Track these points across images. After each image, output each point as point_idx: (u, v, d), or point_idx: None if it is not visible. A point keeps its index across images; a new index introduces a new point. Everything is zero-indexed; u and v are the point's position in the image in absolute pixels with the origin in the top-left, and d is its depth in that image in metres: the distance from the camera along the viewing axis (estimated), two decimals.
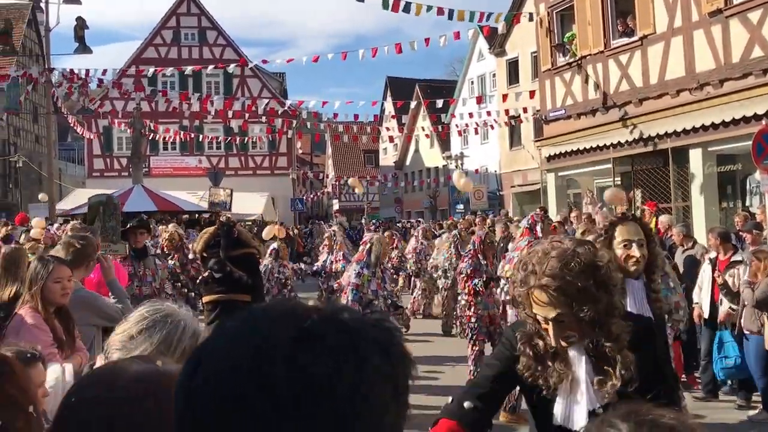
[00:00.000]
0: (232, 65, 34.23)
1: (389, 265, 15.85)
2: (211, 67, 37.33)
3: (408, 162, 67.70)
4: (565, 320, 3.13)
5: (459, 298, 13.24)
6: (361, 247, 13.32)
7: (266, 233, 20.29)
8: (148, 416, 1.53)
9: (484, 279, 12.36)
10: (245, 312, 1.19)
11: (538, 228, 11.74)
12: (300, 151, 71.37)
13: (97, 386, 1.69)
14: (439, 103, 35.03)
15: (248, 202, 41.03)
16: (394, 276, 15.35)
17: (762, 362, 10.52)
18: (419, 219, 46.19)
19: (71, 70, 31.43)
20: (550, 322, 3.15)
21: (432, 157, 61.08)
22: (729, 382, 11.93)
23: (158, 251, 14.69)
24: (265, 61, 33.10)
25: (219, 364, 1.11)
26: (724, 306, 11.32)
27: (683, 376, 12.27)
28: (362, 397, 1.08)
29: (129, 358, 1.99)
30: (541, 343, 3.26)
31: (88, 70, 31.08)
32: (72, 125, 40.57)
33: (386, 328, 1.18)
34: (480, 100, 41.62)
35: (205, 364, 1.13)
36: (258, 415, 1.06)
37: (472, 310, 12.32)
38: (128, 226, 11.19)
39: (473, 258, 12.67)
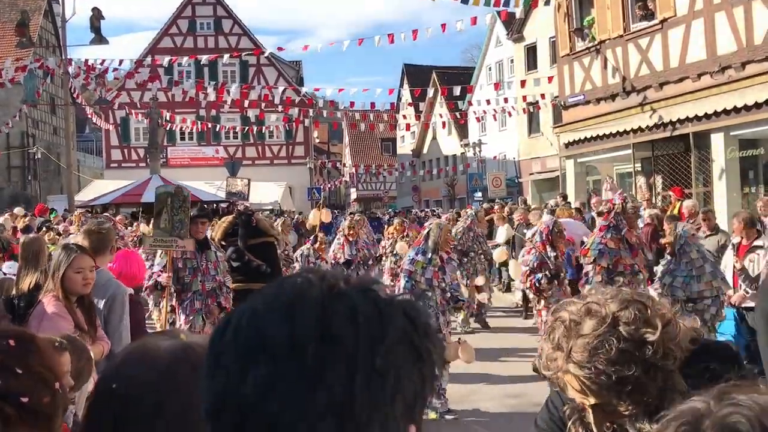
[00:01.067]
0: (247, 52, 34.14)
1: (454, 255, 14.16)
2: (226, 56, 37.32)
3: (425, 150, 67.48)
4: (606, 409, 2.47)
5: (526, 292, 12.74)
6: (421, 233, 12.54)
7: (312, 219, 20.09)
8: (187, 387, 1.51)
9: (551, 273, 11.89)
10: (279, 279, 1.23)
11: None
12: (317, 141, 71.38)
13: (139, 364, 1.70)
14: (457, 90, 34.82)
15: (265, 192, 41.02)
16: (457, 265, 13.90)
17: None
18: (434, 208, 46.08)
19: (86, 61, 31.42)
20: (589, 408, 2.50)
21: (450, 144, 60.87)
22: None
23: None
24: (280, 49, 33.18)
25: (248, 320, 1.14)
26: (740, 290, 11.23)
27: None
28: (383, 358, 1.10)
29: (154, 334, 1.98)
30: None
31: (104, 60, 31.05)
32: (89, 116, 40.64)
33: (414, 303, 1.21)
34: (498, 86, 41.46)
35: (235, 321, 1.16)
36: (280, 367, 1.08)
37: (542, 304, 11.95)
38: (191, 216, 10.34)
39: (541, 250, 12.15)
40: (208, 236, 11.26)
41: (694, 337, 2.49)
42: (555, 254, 12.17)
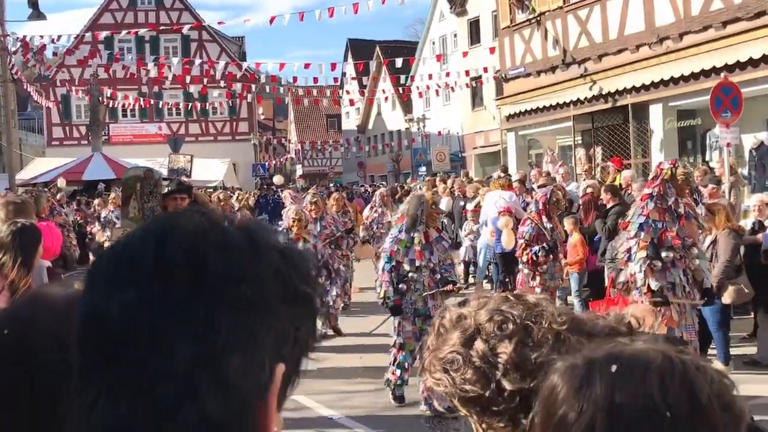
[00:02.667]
0: (187, 27, 33.78)
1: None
2: (167, 30, 36.82)
3: (370, 125, 67.40)
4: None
5: (519, 267, 11.82)
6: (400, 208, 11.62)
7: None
8: None
9: (549, 246, 11.26)
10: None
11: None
12: (262, 117, 70.86)
13: (34, 307, 1.63)
14: (399, 63, 34.74)
15: (209, 169, 40.72)
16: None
17: (717, 315, 10.56)
18: (381, 183, 46.06)
19: (24, 37, 30.81)
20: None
21: (394, 120, 60.79)
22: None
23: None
24: (221, 23, 32.52)
25: (123, 245, 1.11)
26: None
27: None
28: (251, 289, 1.07)
29: (46, 286, 1.93)
30: None
31: (42, 36, 30.50)
32: (31, 94, 39.96)
33: (295, 246, 1.18)
34: (440, 58, 41.45)
35: (113, 246, 1.13)
36: (145, 291, 1.05)
37: (537, 281, 11.26)
38: (167, 191, 9.29)
39: (537, 220, 11.42)
40: None
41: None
42: (551, 226, 11.54)
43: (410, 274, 9.57)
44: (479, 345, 1.89)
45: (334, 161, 77.43)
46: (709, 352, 11.17)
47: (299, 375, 1.15)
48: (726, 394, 1.26)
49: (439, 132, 46.22)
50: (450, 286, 9.66)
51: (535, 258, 11.17)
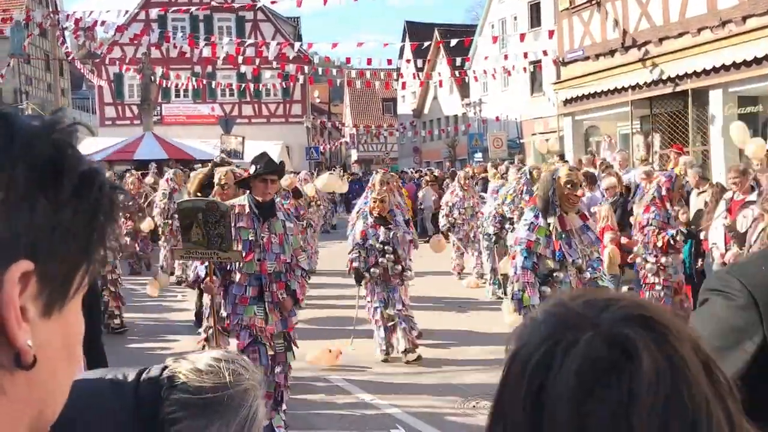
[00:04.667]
0: (240, 4, 33.45)
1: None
2: (219, 8, 36.59)
3: (426, 110, 66.76)
4: None
5: (639, 260, 10.73)
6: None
7: (323, 185, 19.22)
8: None
9: (686, 230, 10.54)
10: None
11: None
12: (317, 100, 70.63)
13: None
14: (455, 43, 34.15)
15: (261, 151, 40.47)
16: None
17: None
18: (429, 168, 45.63)
19: (73, 13, 30.72)
20: None
21: (451, 104, 60.17)
22: None
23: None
24: (273, 2, 31.98)
25: None
26: (733, 248, 10.63)
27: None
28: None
29: None
30: None
31: (91, 12, 30.37)
32: (81, 71, 40.03)
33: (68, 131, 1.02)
34: (495, 40, 40.78)
35: None
36: None
37: (662, 277, 10.40)
38: (255, 172, 8.05)
39: (660, 207, 10.50)
40: (276, 200, 8.61)
41: None
42: (674, 214, 10.66)
43: (555, 274, 7.66)
44: None
45: (389, 146, 76.90)
46: None
47: (90, 267, 1.02)
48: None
49: (497, 117, 45.46)
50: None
51: (672, 242, 10.23)
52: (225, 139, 35.95)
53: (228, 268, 8.05)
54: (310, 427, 8.62)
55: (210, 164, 14.74)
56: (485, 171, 23.89)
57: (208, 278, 7.94)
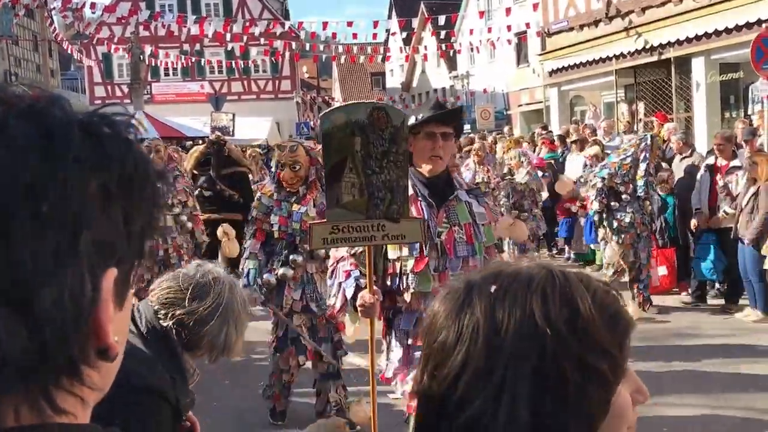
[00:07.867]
0: None
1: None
2: None
3: (415, 83, 66.88)
4: None
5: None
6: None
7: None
8: None
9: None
10: None
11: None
12: (306, 76, 70.63)
13: None
14: (442, 19, 34.39)
15: (252, 127, 40.63)
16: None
17: (759, 266, 10.41)
18: None
19: None
20: None
21: (439, 77, 60.28)
22: (716, 285, 12.05)
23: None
24: None
25: None
26: (726, 208, 11.15)
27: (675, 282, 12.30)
28: (48, 194, 0.89)
29: None
30: None
31: None
32: (69, 52, 40.08)
33: (101, 113, 1.01)
34: (482, 14, 40.97)
35: None
36: None
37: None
38: (415, 120, 4.98)
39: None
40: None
41: None
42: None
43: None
44: None
45: None
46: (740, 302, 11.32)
47: (141, 262, 1.05)
48: (611, 305, 1.23)
49: (485, 89, 45.64)
50: None
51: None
52: (215, 116, 35.93)
53: (392, 272, 4.88)
54: None
55: (207, 141, 14.96)
56: (472, 143, 24.10)
57: (366, 290, 4.66)
